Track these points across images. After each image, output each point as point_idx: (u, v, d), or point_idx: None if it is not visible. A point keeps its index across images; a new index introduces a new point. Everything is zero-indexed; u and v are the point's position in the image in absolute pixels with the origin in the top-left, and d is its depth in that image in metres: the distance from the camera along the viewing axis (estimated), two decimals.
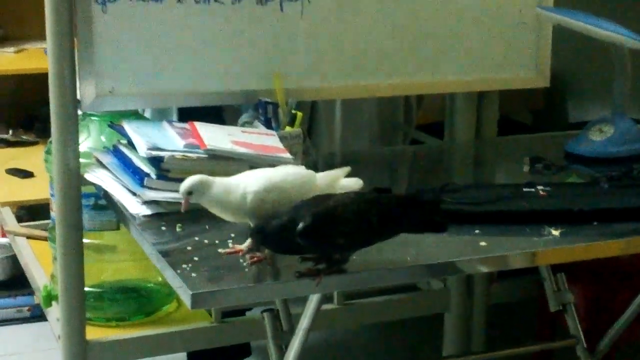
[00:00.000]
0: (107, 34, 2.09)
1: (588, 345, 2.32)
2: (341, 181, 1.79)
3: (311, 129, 2.66)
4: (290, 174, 1.75)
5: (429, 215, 1.70)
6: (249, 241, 1.67)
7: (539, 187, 2.01)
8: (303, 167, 1.82)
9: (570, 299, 2.29)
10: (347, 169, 1.81)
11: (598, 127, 2.34)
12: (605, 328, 2.35)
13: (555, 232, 1.82)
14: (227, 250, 1.70)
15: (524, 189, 2.01)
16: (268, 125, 2.20)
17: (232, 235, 1.77)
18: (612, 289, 2.45)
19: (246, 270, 1.66)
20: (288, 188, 1.70)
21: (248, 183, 1.68)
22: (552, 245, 1.81)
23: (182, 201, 1.67)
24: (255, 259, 1.67)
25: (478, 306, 2.60)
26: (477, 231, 1.83)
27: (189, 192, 1.65)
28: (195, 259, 1.69)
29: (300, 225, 1.54)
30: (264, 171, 1.75)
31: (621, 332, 2.34)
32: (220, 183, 1.68)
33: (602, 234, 1.84)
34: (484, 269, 1.82)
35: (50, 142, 2.11)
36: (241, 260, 1.69)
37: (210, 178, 1.67)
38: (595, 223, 1.87)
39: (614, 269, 2.43)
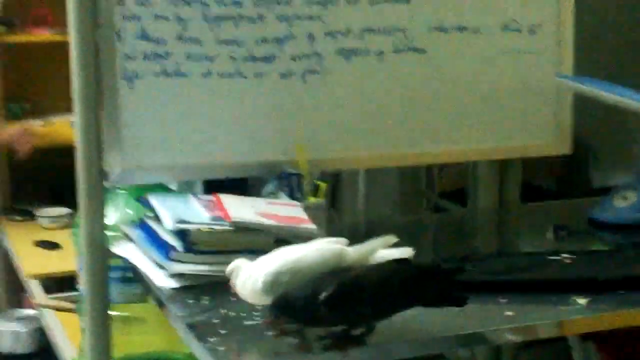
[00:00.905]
0: (133, 108, 2.11)
1: None
2: (379, 252, 1.76)
3: (335, 199, 2.66)
4: (310, 252, 1.72)
5: (447, 287, 1.68)
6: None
7: (564, 255, 2.00)
8: (335, 242, 1.77)
9: None
10: (389, 239, 1.78)
11: (622, 194, 2.33)
12: None
13: (582, 301, 1.80)
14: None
15: (549, 257, 2.00)
16: (292, 195, 2.20)
17: (259, 307, 1.76)
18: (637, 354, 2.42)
19: (272, 343, 1.66)
20: (304, 267, 1.68)
21: (264, 264, 1.68)
22: (579, 314, 1.78)
23: None
24: (283, 330, 1.66)
25: None
26: (502, 300, 1.82)
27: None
28: (222, 331, 1.69)
29: (324, 293, 1.53)
30: (286, 250, 1.73)
31: None
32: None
33: (628, 302, 1.82)
34: (512, 339, 1.79)
35: (78, 215, 2.11)
36: (267, 333, 1.69)
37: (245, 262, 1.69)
38: (622, 292, 1.85)
39: None
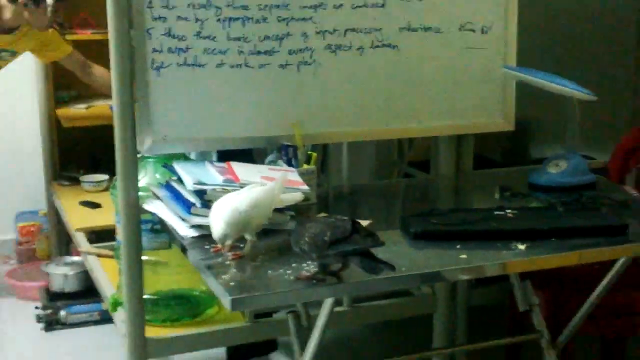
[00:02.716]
0: (160, 92, 2.11)
1: (550, 339, 2.32)
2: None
3: (323, 166, 2.66)
4: (257, 191, 1.80)
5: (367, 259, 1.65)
6: (229, 243, 1.72)
7: (508, 211, 2.01)
8: (266, 185, 1.85)
9: (535, 301, 2.28)
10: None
11: (554, 162, 2.34)
12: (564, 325, 2.35)
13: (522, 247, 1.83)
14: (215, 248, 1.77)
15: (495, 212, 2.01)
16: (289, 163, 2.21)
17: (263, 251, 1.79)
18: (569, 292, 2.44)
19: (275, 279, 1.67)
20: (257, 201, 1.77)
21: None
22: (519, 257, 1.81)
23: None
24: (236, 255, 1.75)
25: (460, 308, 2.59)
26: (458, 247, 1.83)
27: None
28: (233, 270, 1.71)
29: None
30: (244, 192, 1.81)
31: (577, 328, 2.33)
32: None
33: (559, 248, 1.84)
34: (465, 277, 1.82)
35: (115, 179, 2.12)
36: (270, 272, 1.71)
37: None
38: (553, 239, 1.87)
39: (570, 276, 2.43)
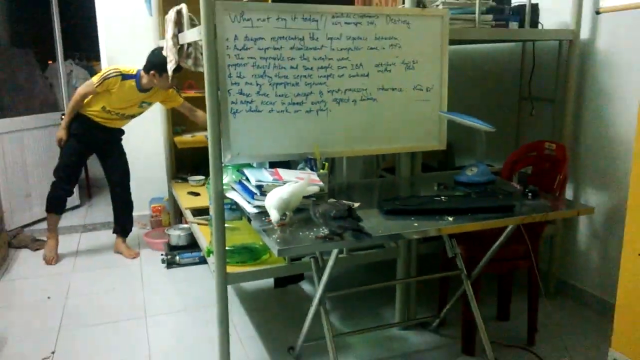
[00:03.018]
0: (236, 127, 2.11)
1: (467, 274, 2.32)
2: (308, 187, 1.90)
3: (332, 171, 2.67)
4: (296, 185, 1.81)
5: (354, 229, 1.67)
6: (277, 217, 1.73)
7: (442, 197, 2.03)
8: (300, 182, 1.85)
9: (458, 251, 2.29)
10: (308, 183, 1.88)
11: (470, 168, 2.34)
12: (475, 265, 2.35)
13: (450, 219, 1.84)
14: (268, 219, 1.78)
15: (435, 198, 2.02)
16: (312, 169, 2.23)
17: (295, 222, 1.79)
18: (478, 246, 2.43)
19: (304, 238, 1.68)
20: (295, 192, 1.79)
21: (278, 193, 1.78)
22: (449, 225, 1.82)
23: None
24: (282, 223, 1.76)
25: (413, 255, 2.58)
26: (412, 219, 1.85)
27: None
28: (278, 232, 1.74)
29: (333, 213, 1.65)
30: (284, 187, 1.81)
31: (483, 268, 2.33)
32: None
33: (473, 219, 1.85)
34: (416, 237, 1.82)
35: (209, 179, 2.12)
36: (300, 233, 1.71)
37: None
38: (469, 214, 1.89)
39: (479, 236, 2.43)
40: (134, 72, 3.24)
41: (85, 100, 3.32)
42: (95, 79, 3.24)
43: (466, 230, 1.85)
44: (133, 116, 3.45)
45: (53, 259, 3.50)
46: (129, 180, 3.61)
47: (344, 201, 1.85)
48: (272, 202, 1.75)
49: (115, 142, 3.53)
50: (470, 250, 2.38)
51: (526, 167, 2.66)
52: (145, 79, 3.21)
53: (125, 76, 3.22)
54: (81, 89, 3.28)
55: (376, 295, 2.94)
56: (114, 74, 3.20)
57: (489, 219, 1.85)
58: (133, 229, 3.77)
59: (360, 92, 2.29)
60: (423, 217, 1.86)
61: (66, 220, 4.28)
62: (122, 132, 3.55)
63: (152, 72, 3.15)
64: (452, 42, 2.43)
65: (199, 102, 3.43)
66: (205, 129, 2.14)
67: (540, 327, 2.60)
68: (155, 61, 3.12)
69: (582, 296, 2.86)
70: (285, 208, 1.76)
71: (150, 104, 3.43)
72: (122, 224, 3.66)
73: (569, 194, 2.85)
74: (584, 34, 2.73)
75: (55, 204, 3.50)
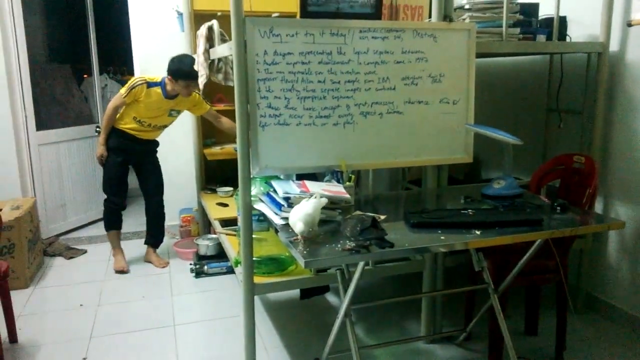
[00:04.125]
0: (264, 140, 2.12)
1: (494, 288, 2.28)
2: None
3: (358, 183, 2.65)
4: (317, 201, 1.80)
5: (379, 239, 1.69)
6: (300, 230, 1.71)
7: (469, 210, 2.00)
8: (319, 199, 1.83)
9: (484, 264, 2.25)
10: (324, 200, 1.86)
11: (497, 181, 2.30)
12: (502, 279, 2.31)
13: (478, 232, 1.82)
14: (293, 238, 1.75)
15: (462, 211, 2.00)
16: (338, 181, 2.22)
17: (321, 234, 1.79)
18: (505, 260, 2.39)
19: (330, 250, 1.67)
20: (317, 207, 1.77)
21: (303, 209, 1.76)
22: (476, 238, 1.79)
23: None
24: (308, 237, 1.74)
25: (439, 268, 2.55)
26: (439, 231, 1.83)
27: None
28: (306, 244, 1.72)
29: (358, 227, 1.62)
30: (307, 203, 1.80)
31: (511, 281, 2.29)
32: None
33: (500, 233, 1.83)
34: (443, 250, 1.80)
35: (237, 190, 2.14)
36: (327, 246, 1.70)
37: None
38: (497, 228, 1.86)
39: (507, 250, 2.38)
40: (159, 80, 3.30)
41: (118, 115, 3.39)
42: (123, 90, 3.32)
43: (494, 244, 1.82)
44: (165, 126, 3.50)
45: (124, 268, 3.56)
46: (162, 193, 3.65)
47: (370, 213, 1.84)
48: (300, 216, 1.74)
49: (151, 154, 3.59)
50: (498, 263, 2.34)
51: (554, 180, 2.61)
52: (169, 86, 3.28)
53: (150, 84, 3.28)
54: (111, 103, 3.36)
55: (402, 308, 2.91)
56: (140, 82, 3.28)
57: (517, 232, 1.82)
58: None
59: (387, 105, 2.29)
60: (450, 230, 1.83)
61: (98, 229, 4.36)
62: (156, 143, 3.61)
63: (168, 77, 3.23)
64: (479, 55, 2.41)
65: (229, 116, 3.47)
66: (234, 140, 2.15)
67: (569, 343, 2.54)
68: (172, 67, 3.21)
69: (612, 312, 2.78)
70: (311, 223, 1.75)
71: (179, 112, 3.47)
72: (154, 234, 3.71)
73: (598, 207, 2.78)
74: (614, 46, 2.68)
75: (112, 221, 3.58)
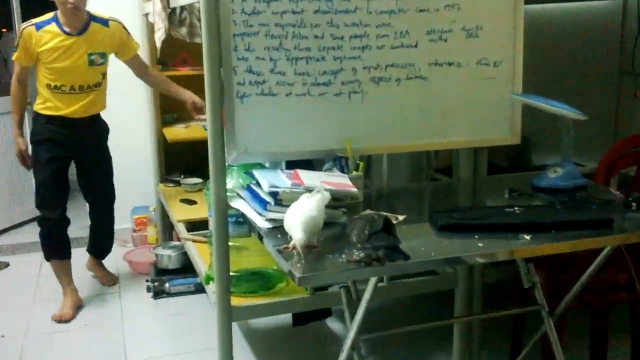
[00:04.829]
0: (243, 116, 2.11)
1: (548, 310, 2.28)
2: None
3: (368, 173, 2.64)
4: (318, 199, 1.76)
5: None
6: (301, 238, 1.66)
7: (515, 208, 1.99)
8: (319, 196, 1.80)
9: (536, 279, 2.24)
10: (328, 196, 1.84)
11: (553, 169, 2.30)
12: (559, 298, 2.30)
13: (527, 237, 1.81)
14: (284, 246, 1.72)
15: (506, 209, 1.99)
16: (342, 170, 2.22)
17: (321, 239, 1.78)
18: (563, 273, 2.39)
19: (332, 262, 1.66)
20: (319, 206, 1.74)
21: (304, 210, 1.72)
22: (525, 245, 1.79)
23: None
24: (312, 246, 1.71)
25: (476, 284, 2.55)
26: (476, 237, 1.82)
27: None
28: (301, 255, 1.70)
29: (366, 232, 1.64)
30: (308, 201, 1.77)
31: (571, 301, 2.29)
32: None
33: (557, 238, 1.82)
34: (480, 261, 1.80)
35: (208, 182, 2.14)
36: (328, 256, 1.69)
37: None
38: (552, 231, 1.85)
39: (565, 260, 2.38)
40: (51, 16, 3.13)
41: (37, 98, 3.21)
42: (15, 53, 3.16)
43: (549, 253, 1.81)
44: (94, 86, 3.24)
45: (67, 316, 3.26)
46: (114, 197, 3.57)
47: (383, 212, 1.84)
48: (300, 220, 1.70)
49: (95, 143, 3.39)
50: (554, 278, 2.34)
51: (629, 167, 2.61)
52: (61, 15, 3.10)
53: (39, 24, 3.11)
54: (13, 77, 3.21)
55: (427, 337, 2.91)
56: (25, 26, 3.12)
57: (579, 237, 1.82)
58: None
59: (406, 68, 2.28)
60: (490, 235, 1.83)
61: (23, 235, 4.36)
62: (102, 126, 3.41)
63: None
64: (529, 0, 2.40)
65: (197, 82, 3.39)
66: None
67: None
68: None
69: None
70: (316, 229, 1.72)
71: (103, 57, 3.22)
72: (100, 243, 3.66)
73: None
74: None
75: (54, 247, 3.31)
